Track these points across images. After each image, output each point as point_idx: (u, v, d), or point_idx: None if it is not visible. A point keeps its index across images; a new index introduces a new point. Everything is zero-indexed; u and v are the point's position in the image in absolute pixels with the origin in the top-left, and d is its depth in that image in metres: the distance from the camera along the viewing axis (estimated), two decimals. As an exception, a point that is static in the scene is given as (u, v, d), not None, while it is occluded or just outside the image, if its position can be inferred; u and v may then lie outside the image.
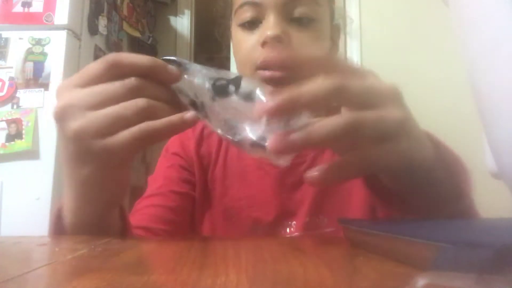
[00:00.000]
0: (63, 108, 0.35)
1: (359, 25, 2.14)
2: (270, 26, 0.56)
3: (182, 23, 2.55)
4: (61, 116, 0.35)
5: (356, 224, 0.35)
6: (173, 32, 2.52)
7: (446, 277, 0.17)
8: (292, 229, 0.61)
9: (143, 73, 0.34)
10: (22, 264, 0.31)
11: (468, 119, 1.58)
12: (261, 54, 0.57)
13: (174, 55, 0.35)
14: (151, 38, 2.24)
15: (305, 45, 0.58)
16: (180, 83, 0.33)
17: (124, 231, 0.45)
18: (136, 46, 2.11)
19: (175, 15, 2.55)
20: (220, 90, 0.28)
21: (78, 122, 0.34)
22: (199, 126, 0.68)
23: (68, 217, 0.41)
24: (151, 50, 2.22)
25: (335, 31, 0.70)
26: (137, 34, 2.09)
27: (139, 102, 0.34)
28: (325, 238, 0.43)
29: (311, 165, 0.62)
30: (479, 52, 0.29)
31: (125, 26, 1.97)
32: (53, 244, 0.43)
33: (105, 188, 0.38)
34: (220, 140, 0.68)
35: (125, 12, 1.97)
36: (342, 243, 0.36)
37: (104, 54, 1.71)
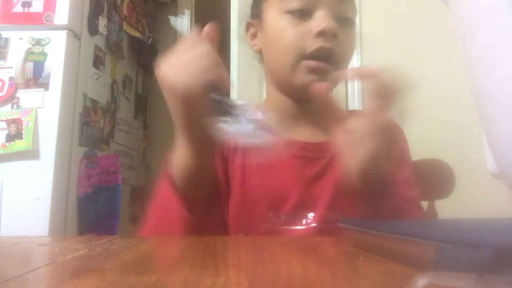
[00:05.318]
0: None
1: (359, 24, 2.14)
2: (325, 19, 0.58)
3: (182, 23, 2.54)
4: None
5: (356, 224, 0.35)
6: (173, 32, 2.52)
7: (446, 277, 0.17)
8: (308, 220, 0.61)
9: None
10: (22, 264, 0.31)
11: (468, 119, 1.59)
12: (313, 43, 0.59)
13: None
14: (151, 38, 2.23)
15: (348, 45, 0.61)
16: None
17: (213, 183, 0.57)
18: (136, 46, 2.10)
19: (175, 15, 2.55)
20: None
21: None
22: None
23: (173, 166, 0.53)
24: (151, 50, 2.22)
25: None
26: (137, 34, 2.08)
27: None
28: (325, 238, 0.43)
29: (330, 161, 0.64)
30: (479, 52, 0.29)
31: (125, 26, 1.96)
32: (53, 244, 0.43)
33: (195, 135, 0.49)
34: None
35: (125, 12, 1.96)
36: (342, 243, 0.36)
37: (104, 54, 1.71)
